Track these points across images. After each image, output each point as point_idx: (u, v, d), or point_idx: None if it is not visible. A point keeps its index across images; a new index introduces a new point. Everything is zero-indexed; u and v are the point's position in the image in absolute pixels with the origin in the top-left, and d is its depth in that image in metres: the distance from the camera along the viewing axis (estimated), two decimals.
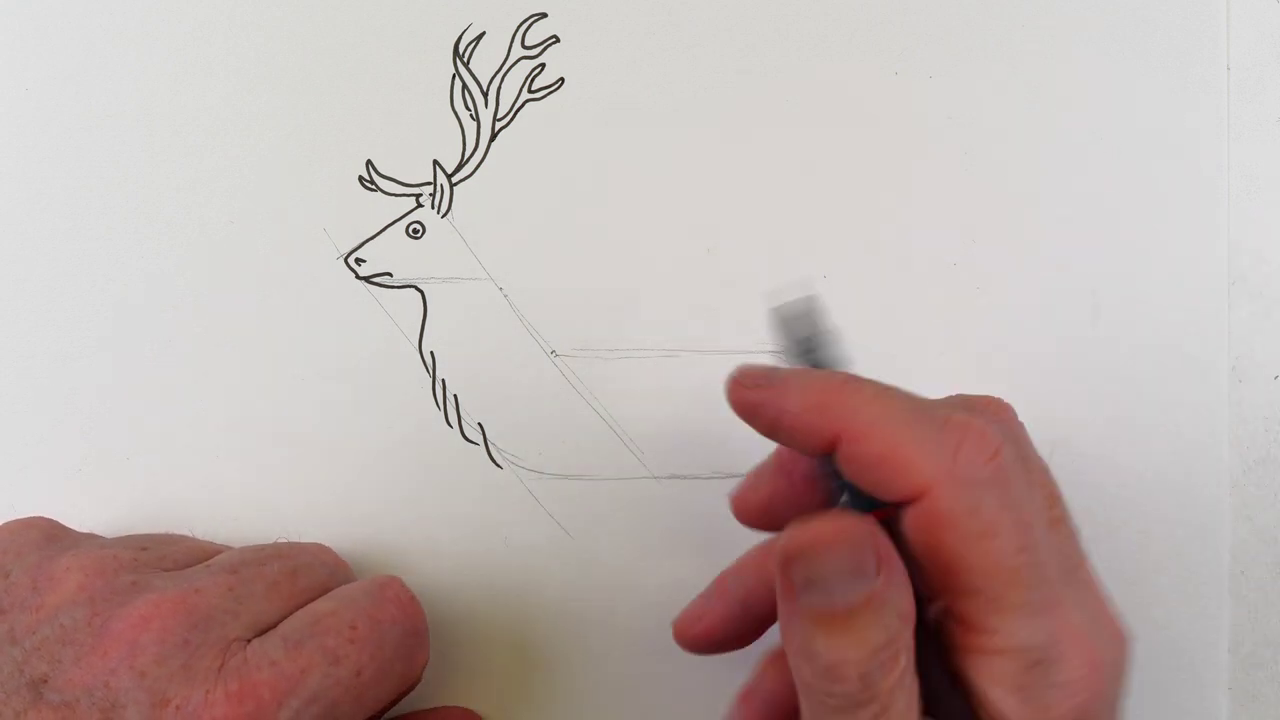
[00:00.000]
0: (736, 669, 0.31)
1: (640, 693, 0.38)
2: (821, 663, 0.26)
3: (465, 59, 0.39)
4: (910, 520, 0.27)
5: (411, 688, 0.34)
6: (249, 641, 0.31)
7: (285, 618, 0.32)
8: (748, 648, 0.34)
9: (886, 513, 0.28)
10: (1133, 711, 0.37)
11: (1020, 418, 0.31)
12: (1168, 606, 0.38)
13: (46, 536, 0.34)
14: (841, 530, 0.27)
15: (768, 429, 0.29)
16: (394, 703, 0.34)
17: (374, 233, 0.38)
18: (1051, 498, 0.29)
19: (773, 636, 0.32)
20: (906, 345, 0.38)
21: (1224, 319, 0.38)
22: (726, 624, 0.33)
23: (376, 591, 0.33)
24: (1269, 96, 0.39)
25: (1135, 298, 0.38)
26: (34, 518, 0.35)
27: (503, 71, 0.39)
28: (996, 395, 0.31)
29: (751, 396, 0.29)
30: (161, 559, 0.34)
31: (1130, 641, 0.29)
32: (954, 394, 0.31)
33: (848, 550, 0.26)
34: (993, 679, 0.27)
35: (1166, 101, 0.39)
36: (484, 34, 0.39)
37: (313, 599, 0.33)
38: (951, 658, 0.28)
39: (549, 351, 0.38)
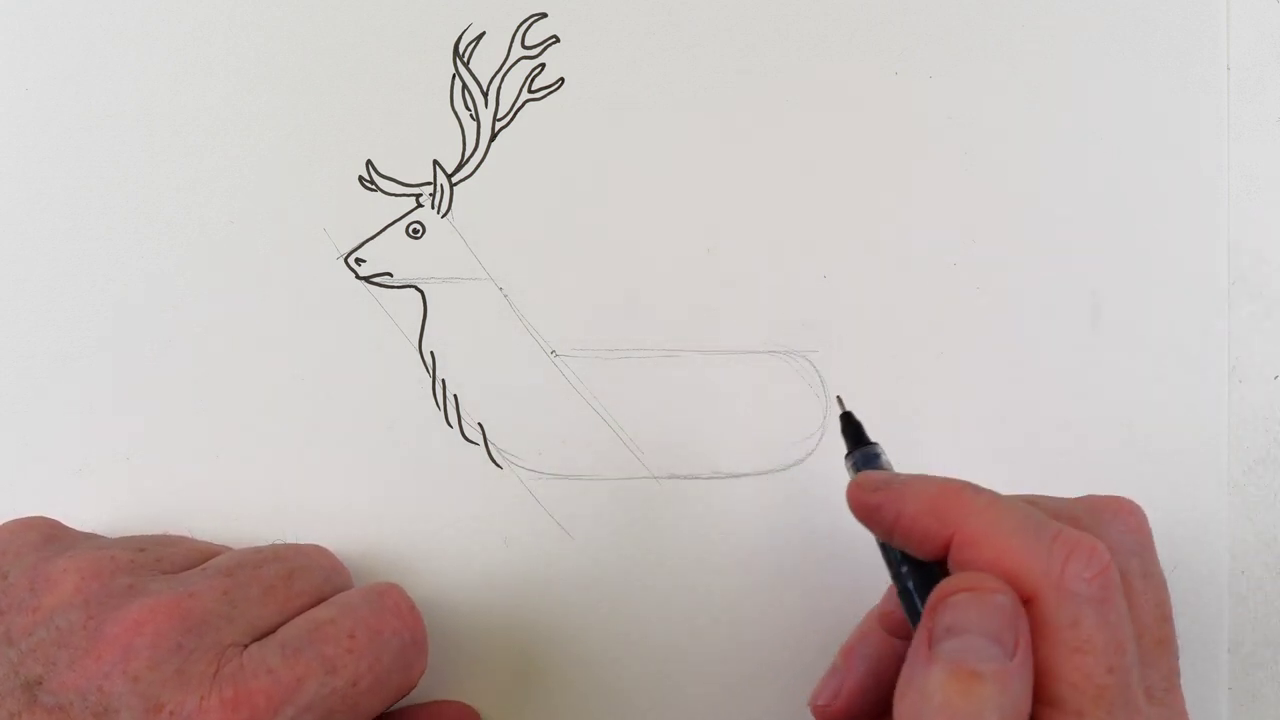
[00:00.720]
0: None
1: (640, 692, 0.38)
2: (935, 704, 0.26)
3: (465, 59, 0.39)
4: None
5: (407, 693, 0.34)
6: (246, 647, 0.31)
7: (282, 621, 0.32)
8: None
9: None
10: None
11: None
12: None
13: (45, 537, 0.34)
14: (996, 591, 0.27)
15: (885, 532, 0.30)
16: (389, 707, 0.34)
17: (374, 233, 0.38)
18: (1162, 616, 0.30)
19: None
20: (906, 345, 0.38)
21: (1224, 319, 0.38)
22: (864, 695, 0.34)
23: (376, 600, 0.33)
24: (1269, 96, 0.39)
25: (1135, 298, 0.38)
26: (33, 518, 0.35)
27: (503, 71, 0.39)
28: (1128, 499, 0.31)
29: (871, 499, 0.30)
30: (159, 560, 0.34)
31: None
32: (1086, 495, 0.32)
33: (996, 613, 0.27)
34: None
35: (1166, 101, 0.39)
36: (484, 34, 0.39)
37: (309, 602, 0.33)
38: None
39: (549, 351, 0.38)
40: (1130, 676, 0.28)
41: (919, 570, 0.30)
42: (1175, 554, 0.38)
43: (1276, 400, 0.39)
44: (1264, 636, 0.38)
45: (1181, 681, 0.30)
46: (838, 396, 0.36)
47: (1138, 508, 0.32)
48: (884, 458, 0.33)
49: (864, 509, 0.31)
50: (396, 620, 0.33)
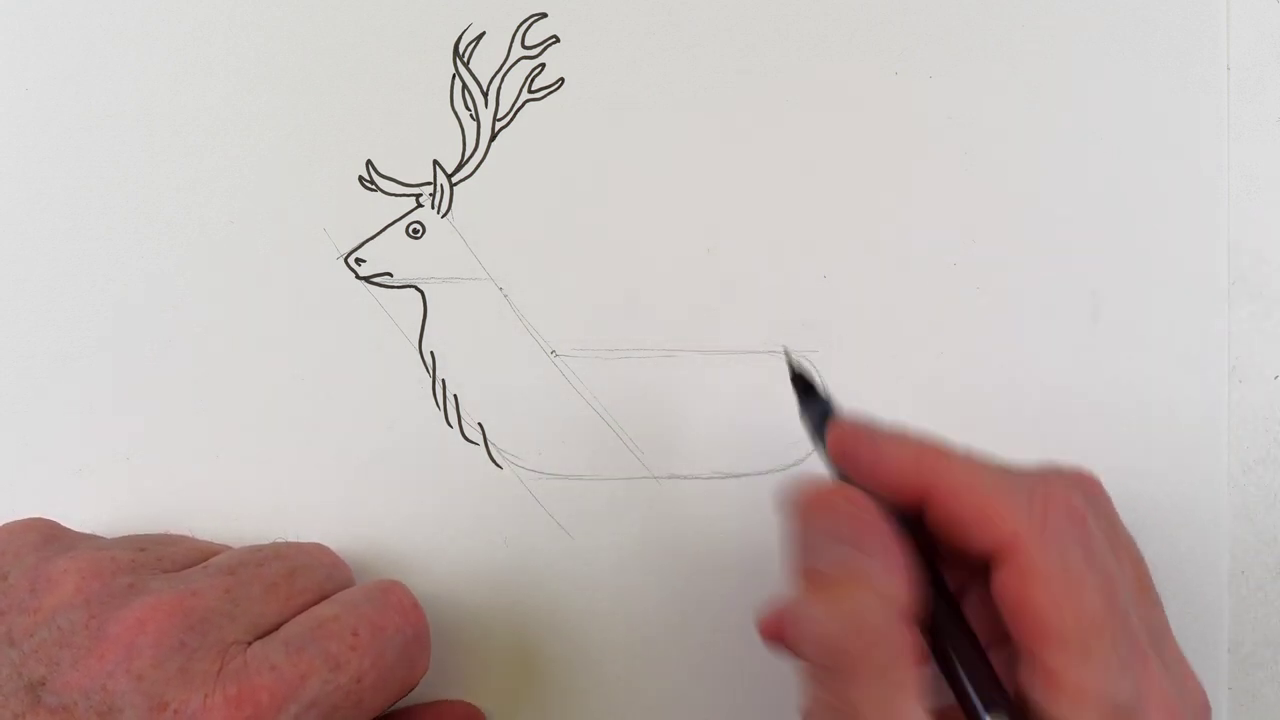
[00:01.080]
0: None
1: (640, 692, 0.38)
2: (794, 617, 0.28)
3: (465, 59, 0.39)
4: (1001, 579, 0.28)
5: (411, 690, 0.34)
6: (250, 644, 0.31)
7: (283, 618, 0.32)
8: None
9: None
10: None
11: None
12: (1168, 606, 0.38)
13: (45, 538, 0.34)
14: (844, 498, 0.29)
15: (866, 474, 0.30)
16: (392, 704, 0.34)
17: (374, 233, 0.38)
18: (1140, 573, 0.31)
19: None
20: (906, 345, 0.38)
21: (1224, 319, 0.38)
22: None
23: (380, 596, 0.33)
24: (1269, 96, 0.39)
25: (1135, 298, 0.38)
26: (32, 519, 0.35)
27: (503, 71, 0.39)
28: (1088, 471, 0.32)
29: (851, 444, 0.30)
30: (160, 560, 0.34)
31: (1211, 715, 0.30)
32: (1044, 462, 0.32)
33: (842, 519, 0.28)
34: None
35: (1166, 101, 0.39)
36: (484, 34, 0.39)
37: (311, 599, 0.33)
38: (1038, 712, 0.28)
39: (549, 351, 0.38)
40: (1128, 612, 0.28)
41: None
42: (1175, 554, 0.38)
43: (1276, 400, 0.39)
44: (1264, 636, 0.38)
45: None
46: (785, 349, 0.35)
47: (1098, 480, 0.32)
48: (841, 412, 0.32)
49: (843, 452, 0.30)
50: (399, 617, 0.33)
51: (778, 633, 0.32)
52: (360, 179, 0.38)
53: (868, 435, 0.30)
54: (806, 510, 0.29)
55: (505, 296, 0.38)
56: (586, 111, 0.39)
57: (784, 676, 0.38)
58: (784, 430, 0.38)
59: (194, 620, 0.31)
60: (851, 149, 0.39)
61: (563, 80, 0.39)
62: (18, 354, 0.38)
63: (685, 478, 0.38)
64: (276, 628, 0.32)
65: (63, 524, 0.36)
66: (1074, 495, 0.29)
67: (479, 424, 0.38)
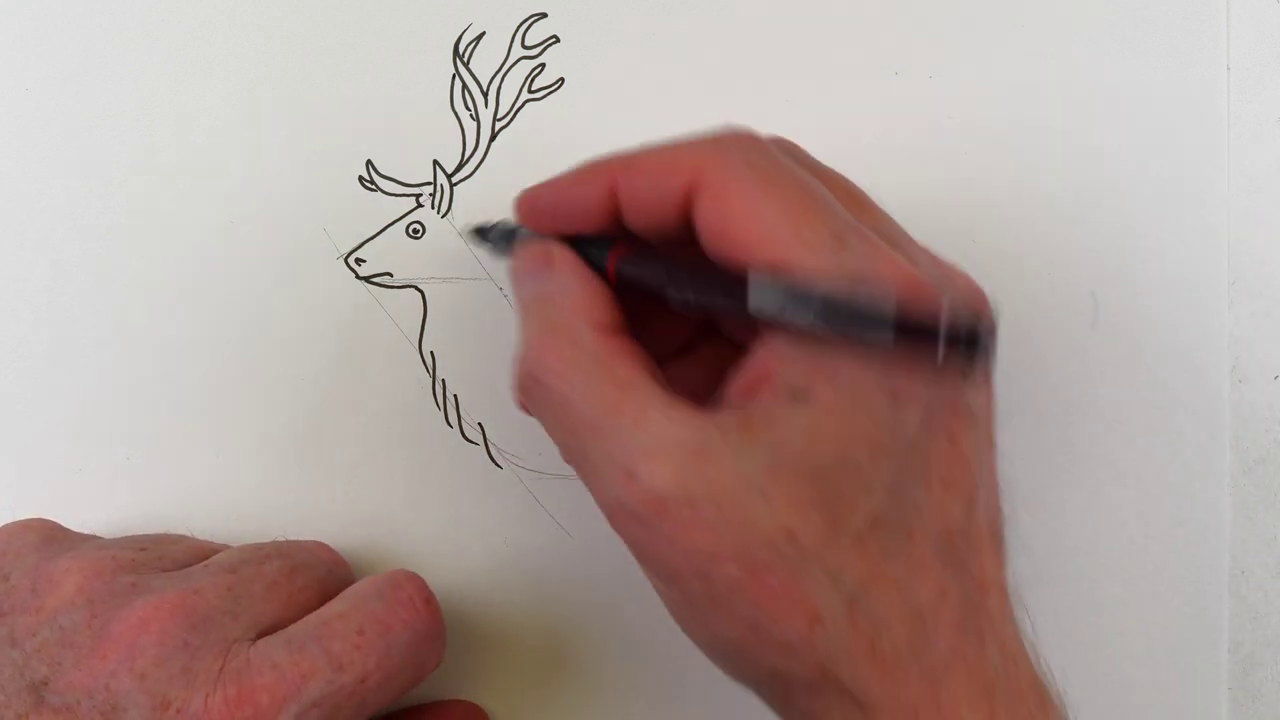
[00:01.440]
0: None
1: (640, 692, 0.38)
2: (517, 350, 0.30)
3: (465, 59, 0.39)
4: (697, 216, 0.28)
5: (419, 684, 0.34)
6: (253, 642, 0.31)
7: (285, 616, 0.32)
8: None
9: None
10: (1133, 711, 0.37)
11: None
12: (1168, 606, 0.38)
13: (45, 538, 0.34)
14: (529, 247, 0.31)
15: (563, 216, 0.31)
16: (398, 698, 0.34)
17: (374, 233, 0.38)
18: (851, 191, 0.30)
19: None
20: None
21: (1224, 319, 0.38)
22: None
23: (390, 592, 0.33)
24: (1269, 96, 0.39)
25: (1135, 298, 0.38)
26: (32, 520, 0.35)
27: (503, 71, 0.39)
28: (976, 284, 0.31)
29: (532, 200, 0.32)
30: (161, 559, 0.34)
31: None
32: (939, 259, 0.32)
33: (527, 260, 0.31)
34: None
35: (1166, 101, 0.39)
36: (484, 34, 0.39)
37: (312, 597, 0.33)
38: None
39: None
40: (835, 206, 0.28)
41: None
42: (1175, 554, 0.38)
43: (1276, 400, 0.39)
44: (1264, 636, 0.38)
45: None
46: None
47: (985, 295, 0.30)
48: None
49: (532, 215, 0.32)
50: (409, 613, 0.33)
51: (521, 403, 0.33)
52: (360, 179, 0.38)
53: (545, 186, 0.31)
54: (511, 271, 0.32)
55: (505, 296, 0.38)
56: (586, 111, 0.39)
57: None
58: None
59: (197, 619, 0.31)
60: (851, 149, 0.39)
61: (563, 80, 0.39)
62: (18, 354, 0.38)
63: None
64: (278, 625, 0.32)
65: (62, 524, 0.36)
66: (749, 130, 0.29)
67: (479, 424, 0.38)
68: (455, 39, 0.39)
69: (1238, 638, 0.38)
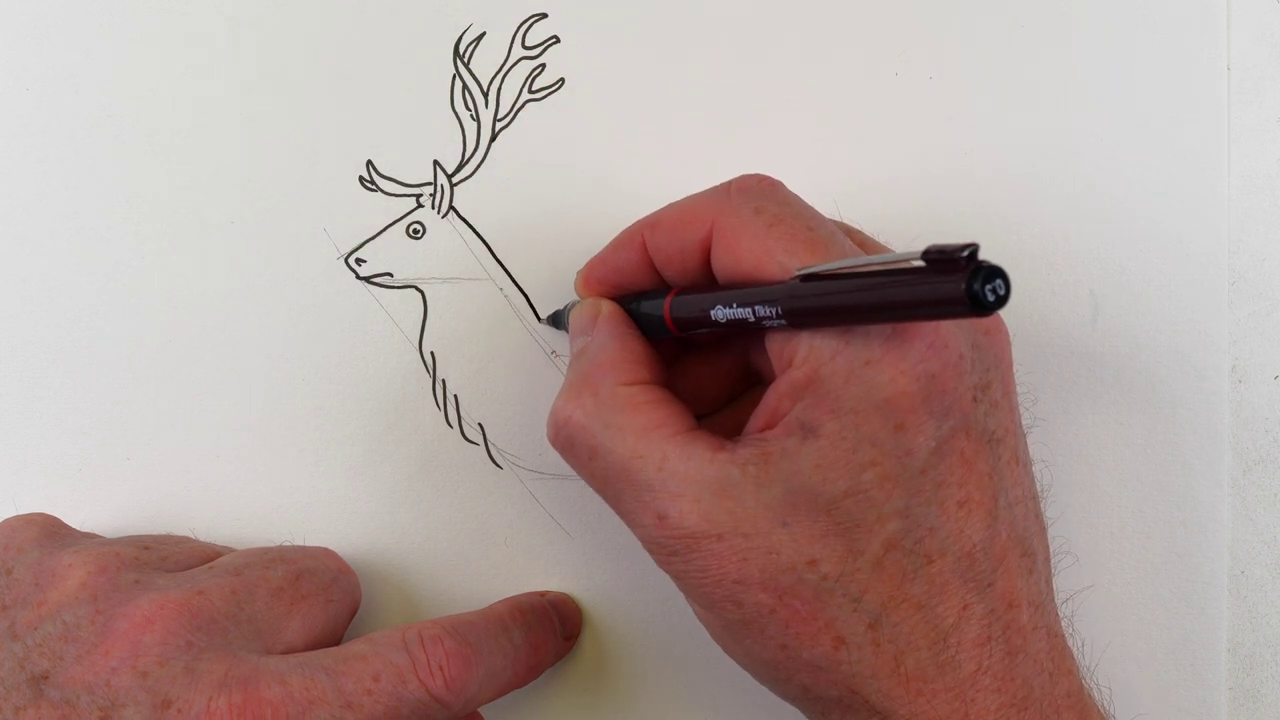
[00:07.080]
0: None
1: (640, 692, 0.38)
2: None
3: (465, 59, 0.39)
4: (713, 257, 0.31)
5: None
6: (266, 655, 0.31)
7: (288, 622, 0.32)
8: None
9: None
10: (1133, 711, 0.37)
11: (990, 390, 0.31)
12: (1168, 606, 0.38)
13: (47, 533, 0.34)
14: (580, 308, 0.34)
15: (612, 278, 0.34)
16: None
17: (374, 233, 0.38)
18: (853, 234, 0.33)
19: None
20: None
21: (1224, 319, 0.38)
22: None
23: (418, 650, 0.32)
24: (1269, 96, 0.39)
25: (1135, 298, 0.38)
26: (33, 514, 0.35)
27: (503, 71, 0.39)
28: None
29: (590, 273, 0.35)
30: (164, 559, 0.34)
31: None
32: None
33: (577, 320, 0.34)
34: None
35: (1166, 101, 0.39)
36: (484, 34, 0.39)
37: (316, 604, 0.33)
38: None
39: (549, 352, 0.38)
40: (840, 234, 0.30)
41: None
42: (1175, 554, 0.38)
43: (1276, 400, 0.39)
44: (1264, 636, 0.38)
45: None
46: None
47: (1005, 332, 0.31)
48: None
49: (594, 283, 0.34)
50: (428, 677, 0.32)
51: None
52: (360, 179, 0.38)
53: (595, 259, 0.35)
54: (570, 327, 0.35)
55: (505, 296, 0.38)
56: (586, 111, 0.39)
57: None
58: None
59: (201, 620, 0.31)
60: (851, 149, 0.39)
61: (563, 80, 0.39)
62: (18, 354, 0.38)
63: None
64: (281, 631, 0.32)
65: (62, 520, 0.36)
66: (761, 177, 0.32)
67: (479, 424, 0.38)
68: (456, 39, 0.39)
69: (1238, 638, 0.38)
